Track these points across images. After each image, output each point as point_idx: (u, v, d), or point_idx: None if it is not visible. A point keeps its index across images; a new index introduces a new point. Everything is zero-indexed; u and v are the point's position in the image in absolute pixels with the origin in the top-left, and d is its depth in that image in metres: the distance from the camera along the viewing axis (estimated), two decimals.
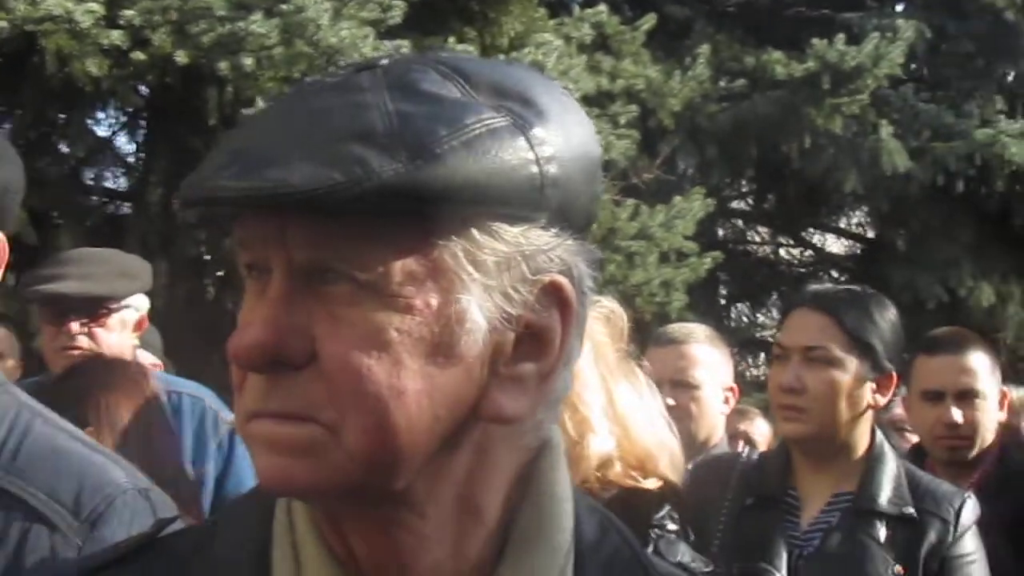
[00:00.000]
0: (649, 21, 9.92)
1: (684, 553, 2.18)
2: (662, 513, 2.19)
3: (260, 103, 6.84)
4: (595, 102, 8.81)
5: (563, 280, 0.93)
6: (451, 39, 7.95)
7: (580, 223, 0.96)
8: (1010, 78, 12.39)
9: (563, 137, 0.93)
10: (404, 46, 7.20)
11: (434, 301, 0.88)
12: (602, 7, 9.60)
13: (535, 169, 0.91)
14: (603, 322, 2.37)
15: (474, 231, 0.89)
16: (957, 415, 3.53)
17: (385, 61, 0.95)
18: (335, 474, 0.90)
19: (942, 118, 11.24)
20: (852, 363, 2.83)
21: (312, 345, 0.89)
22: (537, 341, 0.94)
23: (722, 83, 10.54)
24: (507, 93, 0.93)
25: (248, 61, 6.93)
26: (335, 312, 0.89)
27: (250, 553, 0.99)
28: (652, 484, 2.30)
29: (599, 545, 1.04)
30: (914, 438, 4.17)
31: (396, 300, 0.88)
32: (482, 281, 0.90)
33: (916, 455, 3.72)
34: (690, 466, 3.05)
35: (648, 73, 9.70)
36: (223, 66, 6.95)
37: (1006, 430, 3.75)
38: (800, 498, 2.90)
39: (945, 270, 11.31)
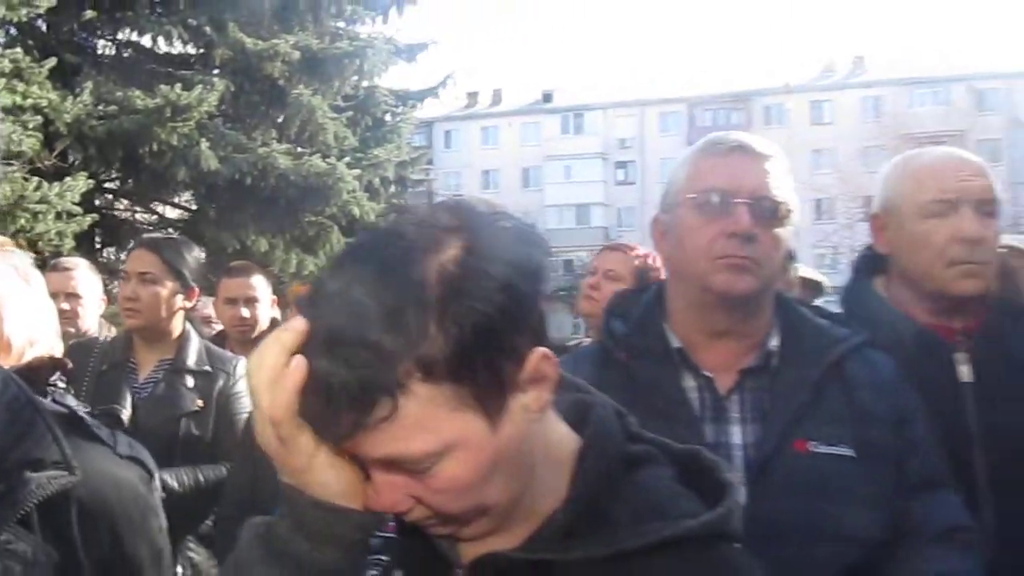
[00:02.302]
0: (51, 62, 10.12)
1: (71, 399, 2.28)
2: (54, 376, 2.23)
3: None
4: (12, 112, 9.11)
5: None
6: None
7: None
8: (280, 119, 13.51)
9: None
10: None
11: None
12: (18, 49, 9.76)
13: None
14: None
15: None
16: (245, 312, 3.50)
17: None
18: None
19: (239, 140, 12.46)
20: (169, 282, 2.85)
21: None
22: None
23: (101, 107, 10.97)
24: None
25: None
26: None
27: None
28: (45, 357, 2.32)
29: (2, 393, 0.99)
30: (218, 327, 4.08)
31: None
32: None
33: (220, 338, 3.68)
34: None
35: (50, 96, 9.99)
36: None
37: (275, 321, 3.68)
38: (138, 364, 2.88)
39: (238, 229, 12.50)
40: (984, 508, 1.55)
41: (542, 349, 0.84)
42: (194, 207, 13.42)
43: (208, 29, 12.49)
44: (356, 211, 13.15)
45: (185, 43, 12.87)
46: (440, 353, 0.78)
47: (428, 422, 0.79)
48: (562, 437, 0.92)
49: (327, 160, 12.63)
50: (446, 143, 49.92)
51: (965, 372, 1.63)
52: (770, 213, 1.45)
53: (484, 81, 52.22)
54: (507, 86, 51.26)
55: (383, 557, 0.97)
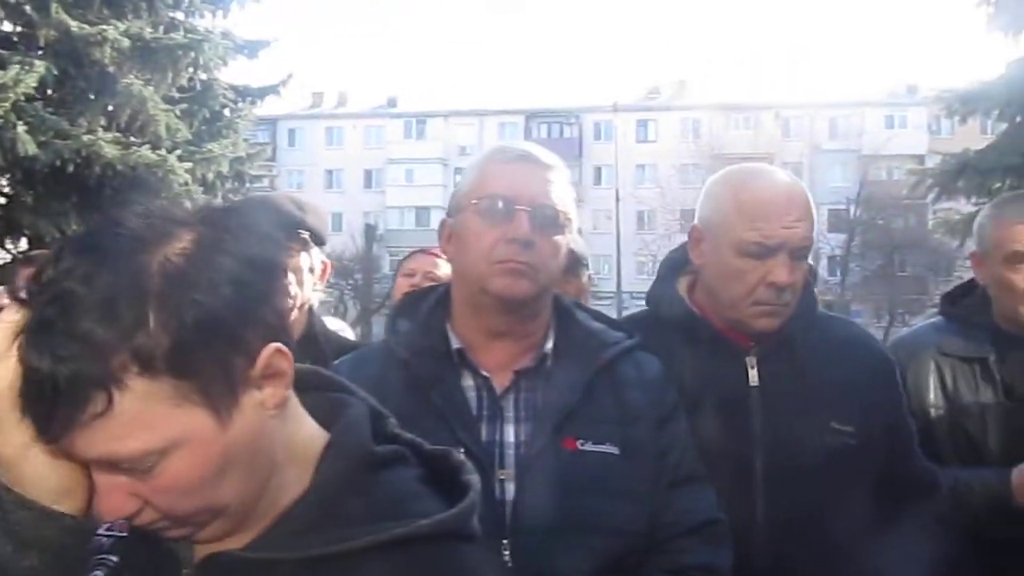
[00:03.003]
0: None
1: None
2: None
3: None
4: None
5: None
6: None
7: None
8: (110, 108, 12.62)
9: None
10: None
11: None
12: None
13: None
14: None
15: None
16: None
17: None
18: None
19: (61, 125, 11.59)
20: None
21: None
22: None
23: None
24: None
25: None
26: None
27: None
28: None
29: None
30: None
31: None
32: None
33: None
34: None
35: None
36: None
37: None
38: None
39: (58, 218, 11.57)
40: (758, 504, 1.59)
41: (276, 344, 0.80)
42: (9, 191, 12.39)
43: (28, 8, 11.54)
44: (189, 205, 12.40)
45: (1, 20, 11.83)
46: (158, 346, 0.73)
47: (147, 418, 0.74)
48: (310, 435, 0.88)
49: (157, 152, 11.98)
50: (290, 141, 48.70)
51: (754, 376, 1.65)
52: (550, 221, 1.46)
53: (330, 83, 51.09)
54: (352, 89, 50.44)
55: (111, 558, 0.87)
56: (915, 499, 1.70)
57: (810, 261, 1.78)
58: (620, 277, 28.00)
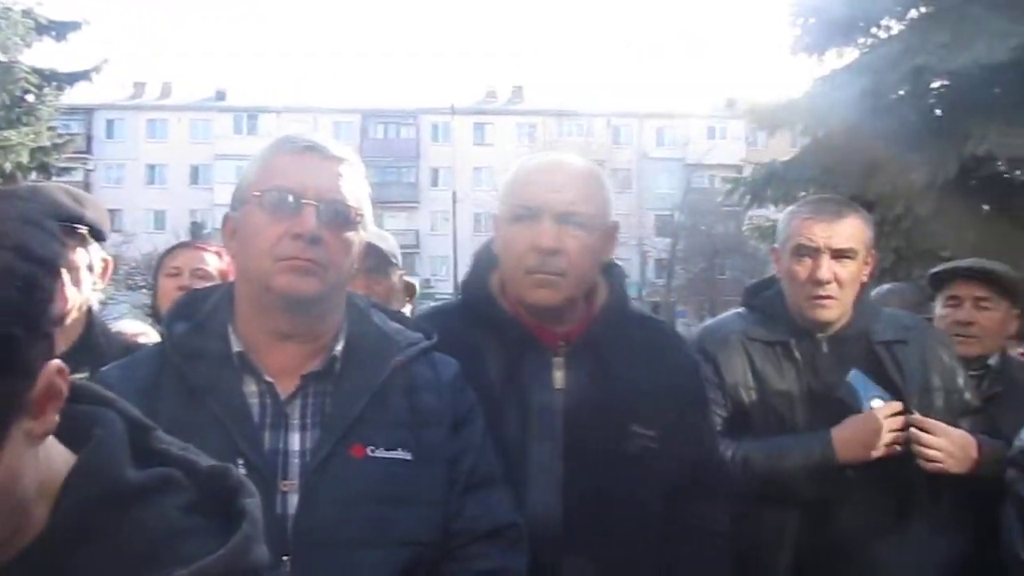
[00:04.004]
0: None
1: None
2: None
3: None
4: None
5: None
6: None
7: None
8: None
9: None
10: None
11: None
12: None
13: None
14: None
15: None
16: None
17: None
18: None
19: None
20: None
21: None
22: None
23: None
24: None
25: None
26: None
27: None
28: None
29: None
30: None
31: None
32: None
33: None
34: None
35: None
36: None
37: None
38: None
39: None
40: (555, 511, 1.58)
41: (57, 362, 0.70)
42: None
43: None
44: None
45: None
46: None
47: None
48: (57, 464, 0.75)
49: None
50: (108, 133, 45.79)
51: (559, 378, 1.63)
52: (340, 216, 1.39)
53: (153, 72, 48.38)
54: (177, 80, 48.02)
55: None
56: (704, 501, 1.73)
57: (617, 261, 1.80)
58: (457, 279, 28.08)
